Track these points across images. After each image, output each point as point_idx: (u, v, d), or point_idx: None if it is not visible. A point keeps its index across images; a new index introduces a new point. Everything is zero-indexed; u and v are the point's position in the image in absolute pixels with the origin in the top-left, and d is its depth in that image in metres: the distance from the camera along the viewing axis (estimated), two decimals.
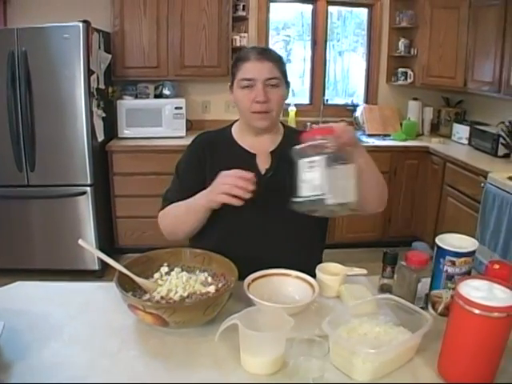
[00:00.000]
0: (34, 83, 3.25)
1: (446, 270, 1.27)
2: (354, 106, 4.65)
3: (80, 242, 1.24)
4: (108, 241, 3.86)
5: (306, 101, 4.76)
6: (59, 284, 1.45)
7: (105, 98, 3.76)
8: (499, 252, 2.98)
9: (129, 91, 4.11)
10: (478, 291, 1.01)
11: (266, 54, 1.49)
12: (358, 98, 4.83)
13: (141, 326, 1.18)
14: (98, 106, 3.58)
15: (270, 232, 1.50)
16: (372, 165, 1.45)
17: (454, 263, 1.26)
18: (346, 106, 4.72)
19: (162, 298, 1.18)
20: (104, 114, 3.67)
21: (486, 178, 3.21)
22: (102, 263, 3.50)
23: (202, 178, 1.51)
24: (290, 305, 1.20)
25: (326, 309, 1.29)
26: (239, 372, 1.03)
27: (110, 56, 3.76)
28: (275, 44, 4.73)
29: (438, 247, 1.29)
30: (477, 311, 0.96)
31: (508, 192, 2.95)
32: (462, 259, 1.26)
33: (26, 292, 1.38)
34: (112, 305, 1.27)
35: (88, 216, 3.51)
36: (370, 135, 4.38)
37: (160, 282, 1.25)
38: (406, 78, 4.44)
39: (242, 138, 1.59)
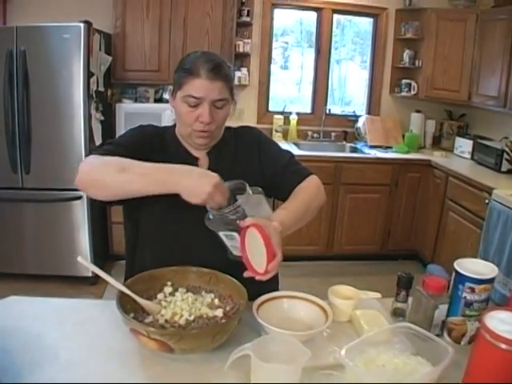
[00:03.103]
0: (32, 83, 3.18)
1: (465, 297, 1.21)
2: (356, 117, 4.59)
3: (79, 259, 1.16)
4: (103, 247, 3.77)
5: (308, 109, 4.70)
6: (54, 300, 1.36)
7: (104, 101, 3.69)
8: (503, 270, 2.93)
9: (128, 94, 4.03)
10: (505, 324, 0.95)
11: (218, 70, 1.36)
12: (355, 106, 4.78)
13: (143, 351, 1.10)
14: (97, 108, 3.50)
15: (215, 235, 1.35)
16: (296, 217, 1.38)
17: (473, 290, 1.20)
18: (347, 116, 4.67)
19: (166, 321, 1.11)
20: (102, 118, 3.59)
21: (490, 194, 3.17)
22: None
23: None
24: (302, 332, 1.13)
25: (339, 335, 1.22)
26: None
27: (110, 58, 3.69)
28: (274, 50, 4.69)
29: (457, 273, 1.23)
30: (503, 346, 0.90)
31: None
32: (482, 286, 1.20)
33: (19, 308, 1.30)
34: (110, 325, 1.20)
35: (83, 221, 3.42)
36: (371, 146, 4.32)
37: (164, 303, 1.17)
38: (409, 90, 4.40)
39: (186, 141, 1.51)
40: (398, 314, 1.34)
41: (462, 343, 1.17)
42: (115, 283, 1.16)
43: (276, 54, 4.68)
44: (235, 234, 1.22)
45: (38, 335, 1.16)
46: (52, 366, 1.05)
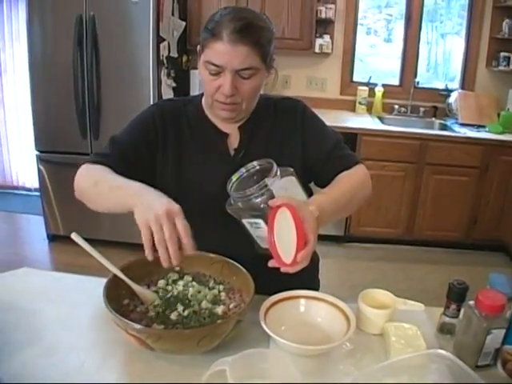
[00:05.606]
0: (102, 48, 3.15)
1: None
2: (448, 91, 4.16)
3: (73, 236, 1.05)
4: None
5: (396, 82, 4.34)
6: (68, 276, 1.28)
7: (177, 67, 3.61)
8: None
9: None
10: None
11: (245, 32, 1.12)
12: (455, 83, 4.33)
13: (128, 345, 0.96)
14: (169, 75, 3.43)
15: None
16: (337, 205, 1.15)
17: None
18: (438, 90, 4.25)
19: (157, 314, 0.97)
20: (174, 84, 3.52)
21: None
22: None
23: (152, 153, 1.28)
24: (312, 346, 0.93)
25: (362, 351, 1.01)
26: None
27: (183, 23, 3.58)
28: (376, 23, 4.37)
29: None
30: None
31: None
32: None
33: (25, 281, 1.24)
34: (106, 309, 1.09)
35: None
36: (462, 124, 3.90)
37: (161, 292, 1.04)
38: (508, 64, 3.88)
39: (211, 113, 1.31)
40: (445, 330, 1.11)
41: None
42: (108, 265, 1.04)
43: (379, 25, 4.37)
44: (260, 222, 1.03)
45: (31, 313, 1.09)
46: (33, 348, 0.97)
